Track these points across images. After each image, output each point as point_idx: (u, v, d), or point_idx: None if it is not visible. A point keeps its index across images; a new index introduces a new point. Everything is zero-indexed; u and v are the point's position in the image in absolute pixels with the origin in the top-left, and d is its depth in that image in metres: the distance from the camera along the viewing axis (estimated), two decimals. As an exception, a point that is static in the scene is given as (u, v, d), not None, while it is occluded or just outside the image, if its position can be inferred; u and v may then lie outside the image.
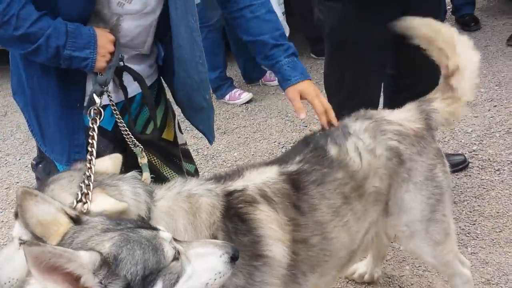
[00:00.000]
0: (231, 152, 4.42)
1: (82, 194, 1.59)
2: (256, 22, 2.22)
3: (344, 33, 2.83)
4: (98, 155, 1.85)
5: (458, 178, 3.49)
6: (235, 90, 5.20)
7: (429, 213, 2.15)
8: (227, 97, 5.17)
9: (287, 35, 5.09)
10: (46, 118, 2.11)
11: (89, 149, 1.77)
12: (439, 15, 2.98)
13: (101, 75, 1.95)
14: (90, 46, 1.90)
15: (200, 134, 4.71)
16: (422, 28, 2.30)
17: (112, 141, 2.18)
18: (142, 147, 2.03)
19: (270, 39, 2.20)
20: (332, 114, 2.20)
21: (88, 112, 1.90)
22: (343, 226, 1.99)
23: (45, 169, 2.21)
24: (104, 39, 1.93)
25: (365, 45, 2.82)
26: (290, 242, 1.87)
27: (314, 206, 1.94)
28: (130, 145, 2.06)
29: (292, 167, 2.00)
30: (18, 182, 4.32)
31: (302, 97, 2.23)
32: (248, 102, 5.12)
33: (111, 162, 1.83)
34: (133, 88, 2.17)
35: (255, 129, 4.67)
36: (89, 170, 1.67)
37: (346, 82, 2.96)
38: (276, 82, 5.31)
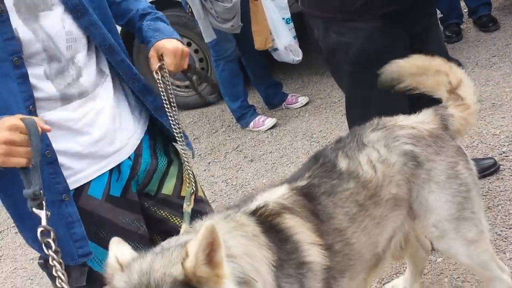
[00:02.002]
0: (260, 179, 4.43)
1: None
2: (126, 4, 2.20)
3: (370, 51, 2.76)
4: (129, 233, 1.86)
5: (490, 182, 3.42)
6: (258, 117, 5.23)
7: (456, 212, 2.13)
8: (251, 124, 5.21)
9: (300, 58, 5.15)
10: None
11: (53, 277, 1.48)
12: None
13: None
14: None
15: (228, 165, 4.80)
16: (409, 68, 2.38)
17: (125, 207, 2.04)
18: (194, 189, 1.93)
19: (140, 10, 2.17)
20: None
21: (38, 235, 1.56)
22: (362, 231, 2.01)
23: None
24: None
25: (390, 59, 2.78)
26: (323, 245, 1.89)
27: (330, 215, 1.97)
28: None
29: (301, 183, 2.03)
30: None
31: (158, 52, 2.12)
32: (272, 127, 5.15)
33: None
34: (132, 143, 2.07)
35: (282, 154, 4.68)
36: None
37: (373, 102, 2.87)
38: (299, 104, 5.35)
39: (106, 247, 1.84)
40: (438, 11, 5.36)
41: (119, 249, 1.60)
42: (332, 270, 1.91)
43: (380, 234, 2.07)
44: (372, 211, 2.02)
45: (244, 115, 5.23)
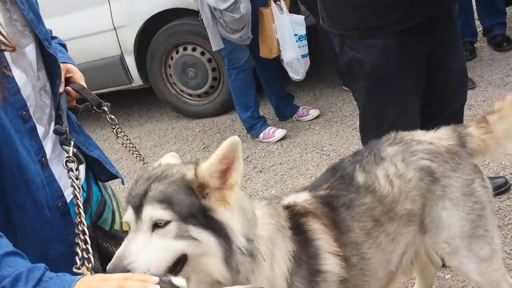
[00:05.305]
0: (269, 190, 4.42)
1: (81, 260, 1.52)
2: None
3: (386, 68, 2.76)
4: None
5: (501, 201, 3.39)
6: (268, 128, 5.23)
7: (470, 229, 2.12)
8: (261, 135, 5.21)
9: (299, 78, 4.99)
10: None
11: (75, 205, 1.67)
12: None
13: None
14: None
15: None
16: None
17: None
18: None
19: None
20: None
21: (64, 164, 1.73)
22: (377, 247, 2.02)
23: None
24: None
25: (406, 76, 2.77)
26: (341, 256, 1.91)
27: (348, 227, 1.99)
28: None
29: (321, 192, 2.06)
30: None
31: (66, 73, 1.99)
32: (282, 139, 5.14)
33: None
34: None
35: (291, 166, 4.68)
36: (82, 225, 1.63)
37: (387, 118, 2.85)
38: (310, 117, 5.35)
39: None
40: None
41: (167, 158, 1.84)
42: (348, 283, 1.91)
43: (394, 251, 2.06)
44: (387, 226, 2.02)
45: (254, 125, 5.23)
